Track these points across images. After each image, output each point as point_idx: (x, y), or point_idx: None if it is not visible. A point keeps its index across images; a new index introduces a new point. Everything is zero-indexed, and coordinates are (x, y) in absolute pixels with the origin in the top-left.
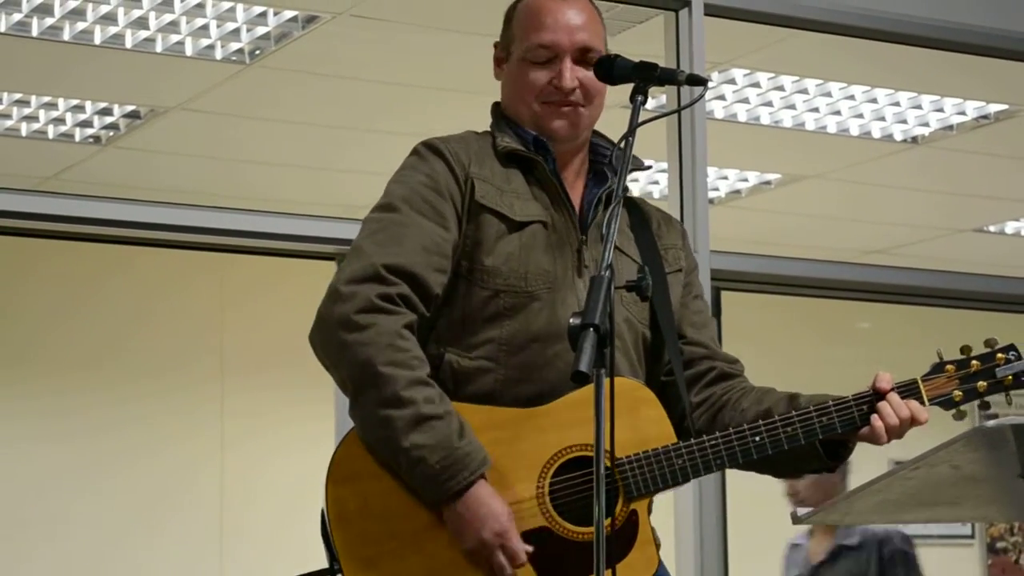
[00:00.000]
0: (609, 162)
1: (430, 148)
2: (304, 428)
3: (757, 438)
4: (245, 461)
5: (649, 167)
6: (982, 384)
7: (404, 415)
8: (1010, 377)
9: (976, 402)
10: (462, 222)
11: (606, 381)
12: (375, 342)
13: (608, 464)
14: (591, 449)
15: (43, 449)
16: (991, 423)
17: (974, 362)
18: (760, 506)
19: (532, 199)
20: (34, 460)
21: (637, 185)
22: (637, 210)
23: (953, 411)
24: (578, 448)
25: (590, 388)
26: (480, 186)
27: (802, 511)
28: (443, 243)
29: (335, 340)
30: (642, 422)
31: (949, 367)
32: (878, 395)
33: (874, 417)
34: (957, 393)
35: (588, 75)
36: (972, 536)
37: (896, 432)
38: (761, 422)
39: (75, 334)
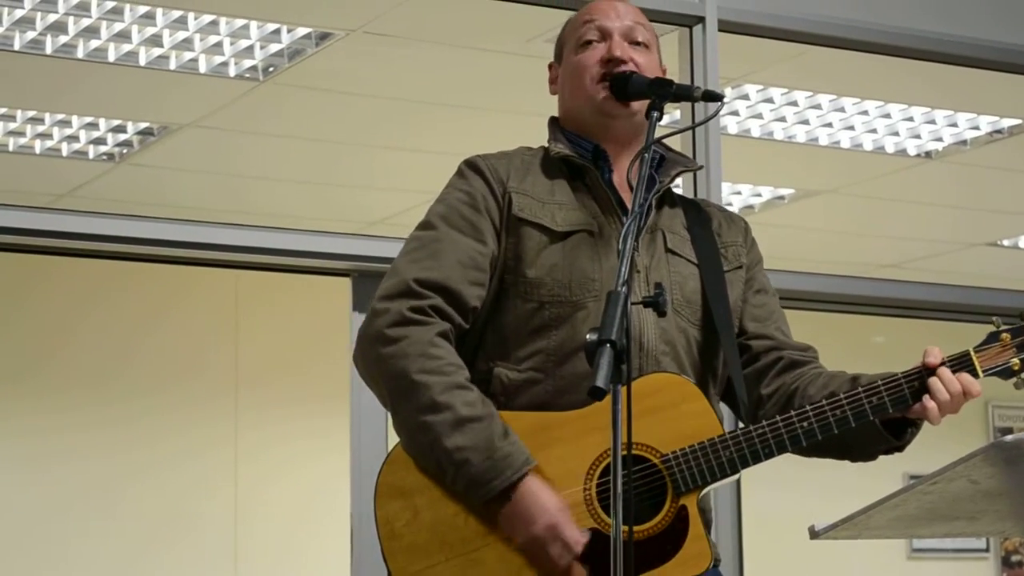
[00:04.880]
0: (658, 167)
1: (470, 165)
2: (318, 441)
3: (805, 423)
4: (259, 476)
5: (701, 167)
6: None
7: (443, 419)
8: None
9: None
10: (501, 237)
11: (624, 398)
12: (408, 353)
13: (656, 461)
14: (636, 447)
15: (55, 465)
16: (1009, 438)
17: None
18: (775, 522)
19: (578, 208)
20: (46, 477)
21: None
22: (696, 211)
23: (1014, 380)
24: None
25: (639, 386)
26: (518, 200)
27: (820, 525)
28: (480, 257)
29: (371, 356)
30: (686, 416)
31: (1004, 335)
32: (928, 370)
33: (925, 397)
34: (1015, 361)
35: (643, 59)
36: (987, 550)
37: (949, 408)
38: (809, 407)
39: (88, 349)
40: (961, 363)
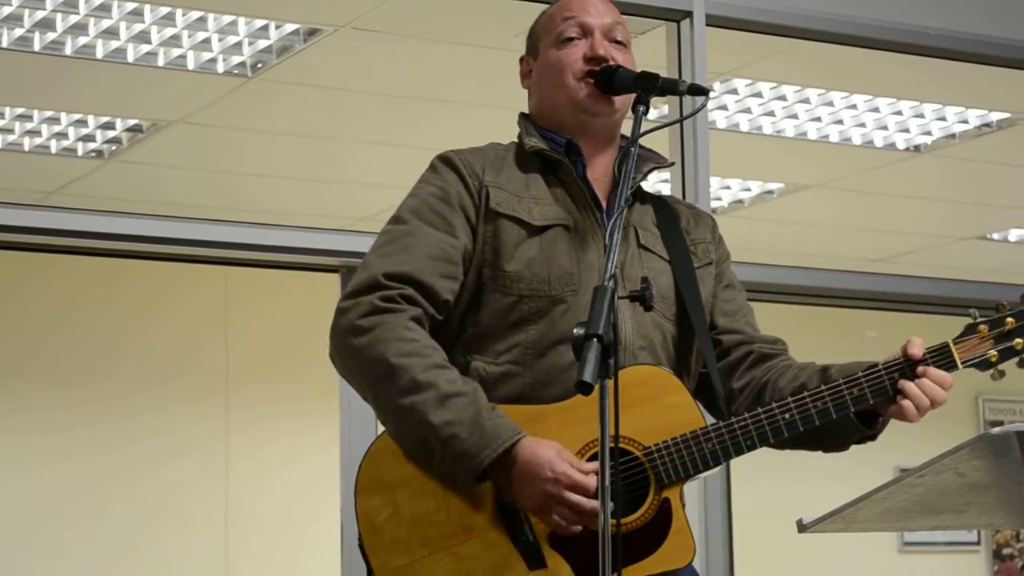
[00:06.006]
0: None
1: (443, 160)
2: (308, 439)
3: (787, 415)
4: (250, 473)
5: (672, 164)
6: (1019, 341)
7: (427, 397)
8: None
9: (1015, 360)
10: (476, 231)
11: (611, 391)
12: (383, 338)
13: (638, 453)
14: (621, 440)
15: (47, 463)
16: (996, 430)
17: (1009, 320)
18: (765, 513)
19: (553, 202)
20: (37, 474)
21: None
22: (665, 208)
23: (991, 372)
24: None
25: (622, 379)
26: (495, 194)
27: (808, 519)
28: (451, 250)
29: (345, 348)
30: (668, 409)
31: (982, 327)
32: (909, 361)
33: (903, 399)
34: (992, 353)
35: (622, 57)
36: (978, 543)
37: (928, 408)
38: (790, 399)
39: (78, 346)
40: (941, 354)
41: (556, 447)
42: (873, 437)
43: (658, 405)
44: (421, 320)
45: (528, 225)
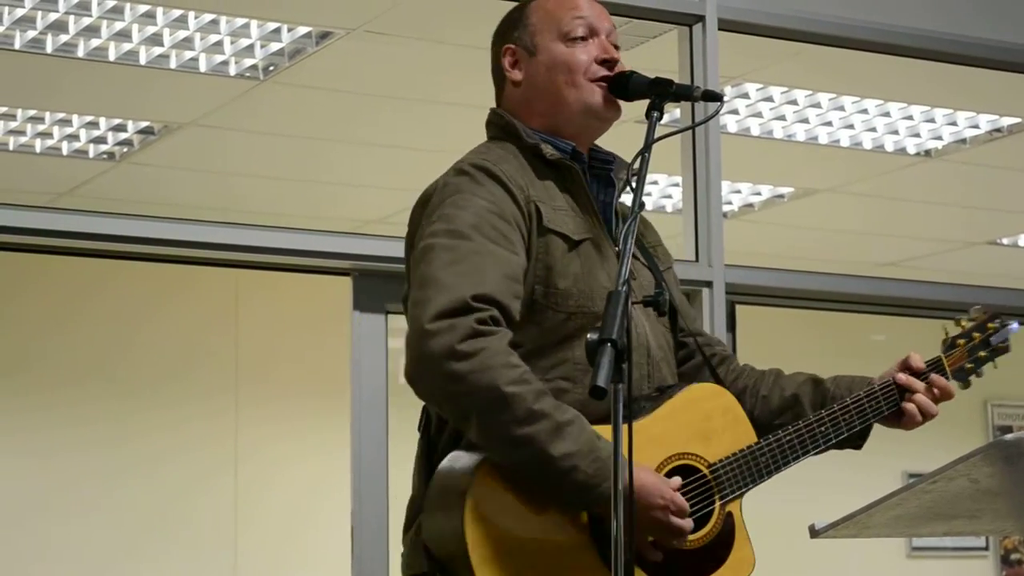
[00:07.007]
0: (612, 166)
1: (483, 171)
2: (318, 437)
3: (823, 428)
4: (259, 470)
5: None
6: (982, 354)
7: (543, 428)
8: (1004, 343)
9: (976, 371)
10: (530, 248)
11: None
12: (491, 365)
13: (704, 471)
14: (690, 458)
15: (59, 458)
16: (1009, 437)
17: (975, 334)
18: (773, 520)
19: (574, 213)
20: (50, 470)
21: (650, 199)
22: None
23: (961, 383)
24: (677, 457)
25: (686, 396)
26: (543, 209)
27: (820, 524)
28: (517, 269)
29: (444, 373)
30: (728, 424)
31: (960, 341)
32: (915, 373)
33: (910, 407)
34: (968, 365)
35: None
36: (986, 548)
37: (932, 415)
38: (824, 412)
39: (90, 343)
40: (937, 368)
41: (648, 472)
42: (859, 447)
43: (719, 421)
44: (512, 343)
45: (569, 239)
